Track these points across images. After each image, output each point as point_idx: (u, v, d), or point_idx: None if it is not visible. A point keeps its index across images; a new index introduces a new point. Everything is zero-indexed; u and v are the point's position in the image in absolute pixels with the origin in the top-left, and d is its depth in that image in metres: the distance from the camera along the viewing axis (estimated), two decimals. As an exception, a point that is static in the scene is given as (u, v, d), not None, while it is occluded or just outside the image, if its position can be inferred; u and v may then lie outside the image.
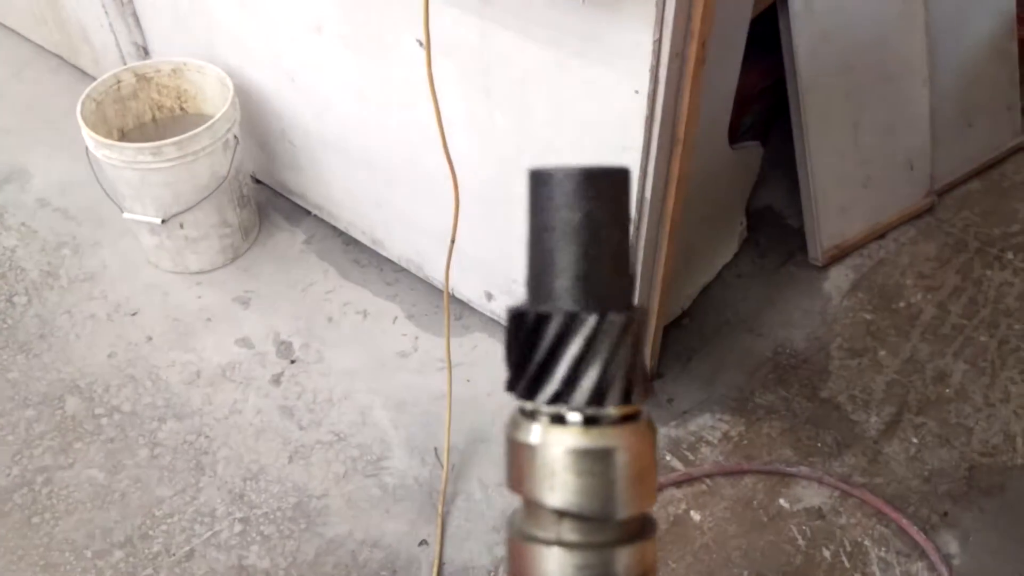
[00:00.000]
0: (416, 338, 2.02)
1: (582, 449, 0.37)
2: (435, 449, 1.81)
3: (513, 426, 0.39)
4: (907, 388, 1.92)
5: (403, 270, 2.14)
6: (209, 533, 1.69)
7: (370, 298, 2.11)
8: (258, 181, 2.35)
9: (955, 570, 1.62)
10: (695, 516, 1.71)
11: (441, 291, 1.89)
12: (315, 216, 2.27)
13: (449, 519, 1.71)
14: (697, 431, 1.84)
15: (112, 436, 1.84)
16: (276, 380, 1.94)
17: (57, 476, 1.78)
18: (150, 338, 2.03)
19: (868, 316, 2.07)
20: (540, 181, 0.38)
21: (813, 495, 1.74)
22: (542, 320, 0.38)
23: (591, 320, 0.37)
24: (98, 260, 2.21)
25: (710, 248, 2.09)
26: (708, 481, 1.76)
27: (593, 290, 0.38)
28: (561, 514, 0.38)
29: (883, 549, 1.65)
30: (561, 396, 0.38)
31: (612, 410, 0.38)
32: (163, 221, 2.01)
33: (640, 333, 0.38)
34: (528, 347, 0.38)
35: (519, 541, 0.39)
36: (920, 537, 1.65)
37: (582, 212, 0.38)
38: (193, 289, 2.14)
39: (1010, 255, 2.20)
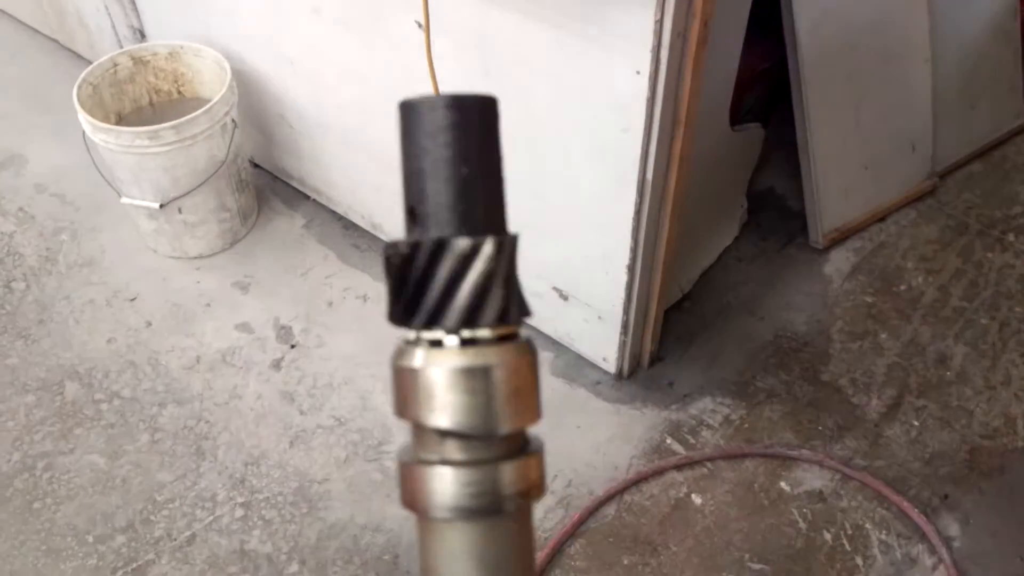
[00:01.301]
0: (416, 322, 2.01)
1: (459, 368, 0.38)
2: (436, 433, 1.81)
3: (397, 355, 0.41)
4: (908, 371, 1.91)
5: (403, 254, 2.13)
6: (210, 518, 1.69)
7: (370, 282, 2.10)
8: (256, 165, 2.34)
9: (955, 552, 1.62)
10: (696, 500, 1.71)
11: (441, 275, 1.88)
12: (314, 200, 2.26)
13: (450, 503, 1.71)
14: (698, 414, 1.84)
15: (112, 421, 1.84)
16: (276, 365, 1.94)
17: (58, 462, 1.78)
18: (149, 323, 2.02)
19: (869, 299, 2.06)
20: (409, 111, 0.38)
21: (814, 478, 1.74)
22: (414, 249, 0.38)
23: (460, 245, 0.37)
24: (96, 245, 2.20)
25: (711, 231, 2.08)
26: (709, 464, 1.76)
27: (462, 216, 0.38)
28: (444, 433, 0.39)
29: (884, 532, 1.66)
30: (434, 319, 0.38)
31: (488, 331, 0.39)
32: (161, 206, 2.00)
33: (512, 256, 0.39)
34: (402, 276, 0.39)
35: (408, 466, 0.40)
36: (921, 520, 1.65)
37: (449, 139, 0.38)
38: (192, 274, 2.13)
39: (1011, 237, 2.19)
